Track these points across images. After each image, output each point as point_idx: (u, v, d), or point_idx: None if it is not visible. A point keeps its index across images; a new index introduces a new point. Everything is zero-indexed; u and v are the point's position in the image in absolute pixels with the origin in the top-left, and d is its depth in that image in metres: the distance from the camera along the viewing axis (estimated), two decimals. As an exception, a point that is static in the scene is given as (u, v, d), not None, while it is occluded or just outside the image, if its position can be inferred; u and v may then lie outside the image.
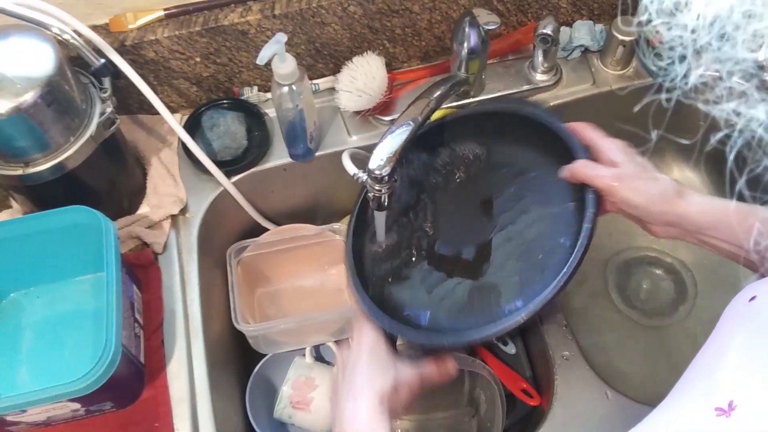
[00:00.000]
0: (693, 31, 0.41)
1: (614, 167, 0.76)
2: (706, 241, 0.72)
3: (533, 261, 0.85)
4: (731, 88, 0.42)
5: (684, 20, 0.41)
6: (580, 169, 0.77)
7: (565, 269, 0.76)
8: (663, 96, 0.45)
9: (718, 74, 0.42)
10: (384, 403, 0.72)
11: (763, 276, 0.61)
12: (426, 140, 0.94)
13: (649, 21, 0.42)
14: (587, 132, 0.81)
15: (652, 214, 0.74)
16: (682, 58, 0.43)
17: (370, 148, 1.00)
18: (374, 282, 0.90)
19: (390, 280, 0.91)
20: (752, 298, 0.48)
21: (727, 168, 0.45)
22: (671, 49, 0.42)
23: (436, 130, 0.95)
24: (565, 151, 0.82)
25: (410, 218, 0.94)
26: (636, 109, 0.57)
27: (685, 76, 0.43)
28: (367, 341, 0.78)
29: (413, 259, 0.92)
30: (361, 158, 0.99)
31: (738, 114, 0.42)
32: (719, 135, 0.44)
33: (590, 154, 0.80)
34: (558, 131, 0.84)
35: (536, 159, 0.90)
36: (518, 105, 0.95)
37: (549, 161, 0.86)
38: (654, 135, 0.59)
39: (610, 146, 0.78)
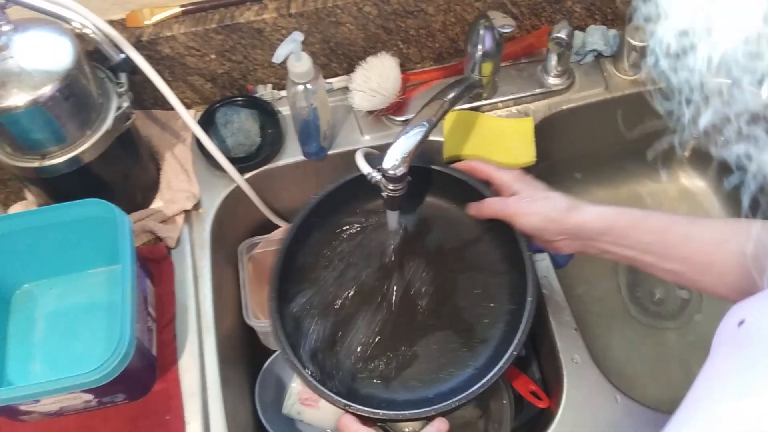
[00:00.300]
0: (700, 74, 0.41)
1: (513, 196, 0.83)
2: (604, 248, 0.77)
3: (474, 297, 0.91)
4: (740, 131, 0.42)
5: (691, 63, 0.41)
6: (487, 207, 0.85)
7: (529, 298, 0.83)
8: (675, 140, 0.45)
9: (726, 116, 0.43)
10: None
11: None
12: (327, 208, 0.95)
13: (656, 63, 0.43)
14: (482, 168, 0.88)
15: (551, 231, 0.79)
16: (690, 100, 0.43)
17: (382, 148, 1.01)
18: (338, 372, 0.88)
19: (349, 363, 0.89)
20: (741, 322, 0.47)
21: (742, 212, 0.46)
22: (679, 91, 0.43)
23: (333, 197, 0.95)
24: (466, 190, 0.89)
25: (344, 296, 0.93)
26: (650, 156, 0.59)
27: (694, 119, 0.43)
28: None
29: (363, 338, 0.91)
30: (373, 157, 0.99)
31: (749, 158, 0.42)
32: (732, 179, 0.45)
33: (491, 188, 0.88)
34: (454, 174, 0.91)
35: (441, 205, 0.95)
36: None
37: (451, 203, 0.93)
38: (665, 176, 0.60)
39: (506, 178, 0.85)
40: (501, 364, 0.80)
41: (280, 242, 0.92)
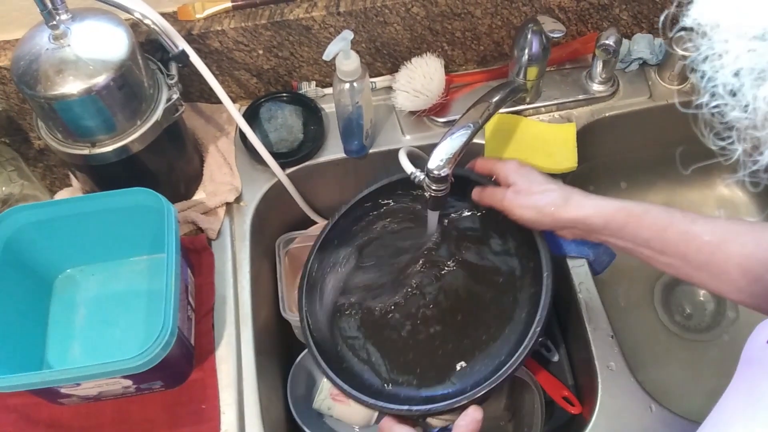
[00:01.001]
0: (752, 111, 0.41)
1: (509, 188, 0.85)
2: (603, 239, 0.81)
3: (495, 288, 0.92)
4: None
5: (742, 101, 0.41)
6: (485, 196, 0.89)
7: (545, 273, 0.85)
8: (738, 177, 0.45)
9: None
10: None
11: None
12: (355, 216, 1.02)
13: (708, 103, 0.43)
14: (482, 164, 0.93)
15: (546, 224, 0.82)
16: (743, 138, 0.43)
17: (423, 149, 1.02)
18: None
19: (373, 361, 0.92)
20: None
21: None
22: (730, 129, 0.43)
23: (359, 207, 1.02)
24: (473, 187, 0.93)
25: (369, 298, 0.97)
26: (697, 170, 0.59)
27: (755, 159, 0.43)
28: None
29: (391, 337, 0.94)
30: (415, 156, 1.00)
31: None
32: None
33: (493, 180, 0.91)
34: (459, 173, 0.92)
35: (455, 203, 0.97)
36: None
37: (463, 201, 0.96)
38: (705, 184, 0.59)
39: (504, 169, 0.88)
40: (525, 343, 0.82)
41: (311, 249, 0.98)
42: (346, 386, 0.86)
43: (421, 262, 0.96)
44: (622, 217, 0.76)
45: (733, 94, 0.42)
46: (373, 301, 0.95)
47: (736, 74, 0.41)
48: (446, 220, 0.97)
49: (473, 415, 0.79)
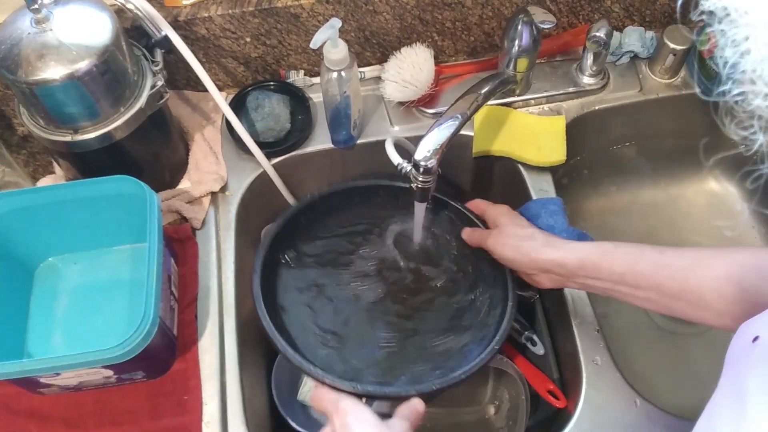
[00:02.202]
0: None
1: (497, 229, 0.89)
2: (583, 283, 0.81)
3: (466, 290, 0.95)
4: None
5: (765, 89, 0.40)
6: (473, 236, 0.94)
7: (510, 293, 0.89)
8: (764, 170, 0.44)
9: None
10: None
11: None
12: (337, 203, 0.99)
13: (731, 90, 0.41)
14: (478, 205, 0.97)
15: (525, 265, 0.85)
16: (766, 128, 0.42)
17: (412, 140, 1.01)
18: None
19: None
20: (755, 338, 0.46)
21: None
22: (751, 117, 0.41)
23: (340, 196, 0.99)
24: (465, 221, 0.98)
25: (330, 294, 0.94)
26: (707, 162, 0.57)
27: None
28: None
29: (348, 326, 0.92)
30: (402, 145, 0.99)
31: None
32: None
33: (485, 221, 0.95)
34: (456, 204, 0.98)
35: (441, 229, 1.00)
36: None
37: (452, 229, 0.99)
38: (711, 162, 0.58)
39: (494, 213, 0.92)
40: (477, 360, 0.82)
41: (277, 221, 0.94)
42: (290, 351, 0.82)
43: (384, 265, 0.97)
44: (595, 255, 0.78)
45: (757, 79, 0.40)
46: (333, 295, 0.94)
47: (763, 59, 0.40)
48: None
49: (416, 405, 0.77)
